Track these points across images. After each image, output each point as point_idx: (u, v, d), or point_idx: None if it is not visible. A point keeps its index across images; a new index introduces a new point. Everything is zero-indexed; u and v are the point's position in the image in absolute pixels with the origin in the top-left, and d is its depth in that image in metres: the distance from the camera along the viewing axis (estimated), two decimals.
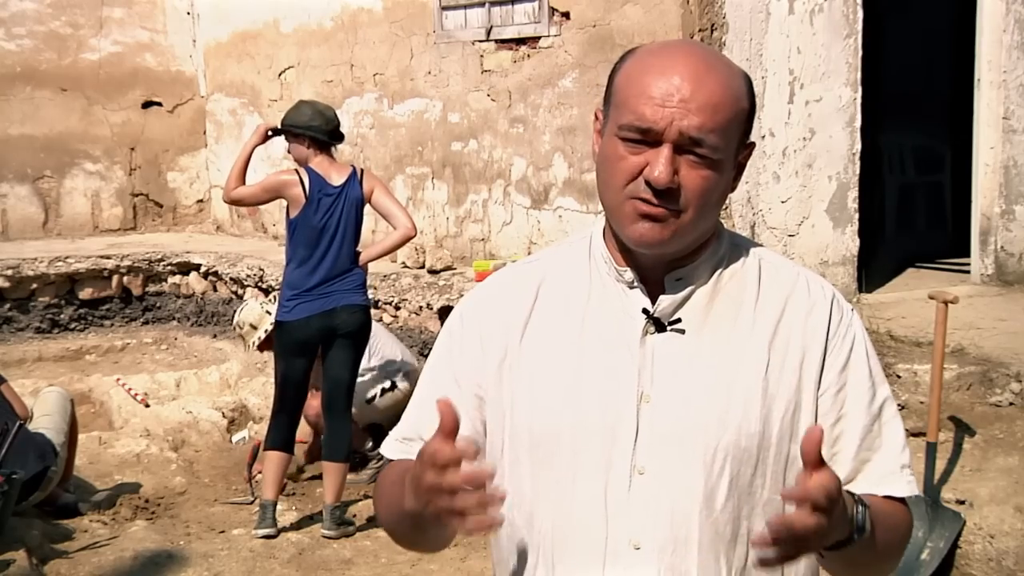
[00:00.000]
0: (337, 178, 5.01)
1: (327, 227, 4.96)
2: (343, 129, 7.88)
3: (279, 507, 5.19)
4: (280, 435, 5.04)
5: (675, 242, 1.40)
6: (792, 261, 1.58)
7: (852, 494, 1.37)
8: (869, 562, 1.44)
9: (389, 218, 5.08)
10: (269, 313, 5.49)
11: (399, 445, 1.55)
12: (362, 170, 5.16)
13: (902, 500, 1.48)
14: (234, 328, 6.03)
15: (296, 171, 5.02)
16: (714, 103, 1.36)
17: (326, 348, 5.03)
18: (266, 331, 5.50)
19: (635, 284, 1.46)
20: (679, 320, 1.45)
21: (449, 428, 1.26)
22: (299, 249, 4.99)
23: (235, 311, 6.16)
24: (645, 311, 1.45)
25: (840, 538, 1.31)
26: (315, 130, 4.99)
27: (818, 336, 1.45)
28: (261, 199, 5.31)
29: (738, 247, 1.51)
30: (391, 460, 1.56)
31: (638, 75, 1.39)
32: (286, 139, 5.14)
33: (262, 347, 5.68)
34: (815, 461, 1.24)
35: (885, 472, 1.46)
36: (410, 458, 1.47)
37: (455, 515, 1.24)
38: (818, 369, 1.45)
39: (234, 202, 5.34)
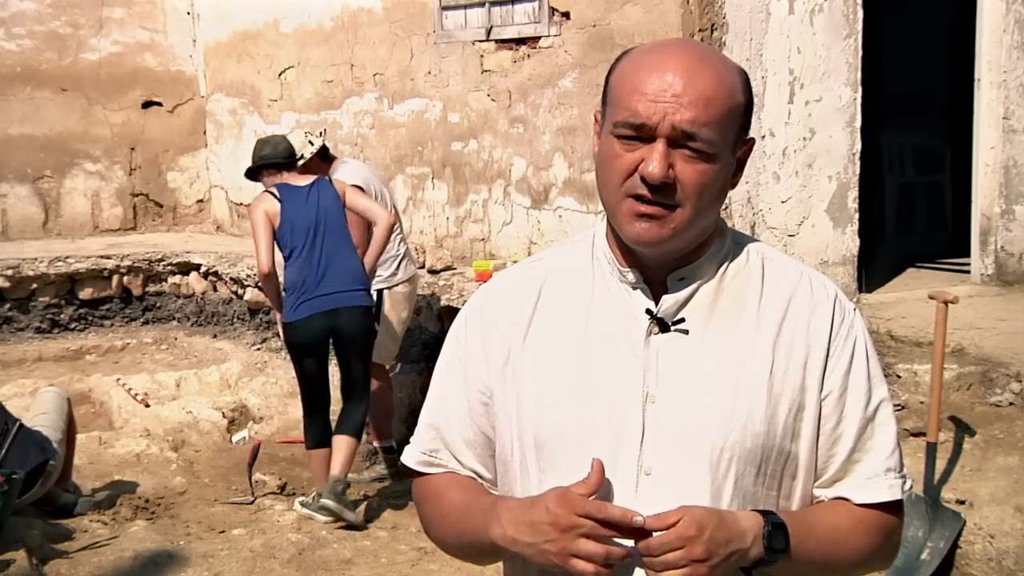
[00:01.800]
0: (303, 181, 5.21)
1: (309, 220, 5.07)
2: (343, 129, 7.91)
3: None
4: (318, 432, 5.18)
5: (674, 240, 1.40)
6: (795, 259, 1.58)
7: (765, 514, 1.39)
8: (826, 571, 1.47)
9: (367, 214, 5.22)
10: (312, 143, 5.64)
11: (427, 458, 1.57)
12: (328, 178, 5.34)
13: (888, 503, 1.48)
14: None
15: (265, 190, 5.20)
16: (707, 97, 1.36)
17: (335, 346, 5.15)
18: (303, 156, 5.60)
19: (638, 284, 1.46)
20: (683, 320, 1.45)
21: (596, 487, 1.35)
22: (291, 247, 5.09)
23: (237, 311, 6.16)
24: (649, 311, 1.45)
25: (750, 559, 1.35)
26: (267, 159, 5.23)
27: (821, 336, 1.46)
28: (271, 234, 5.16)
29: (741, 245, 1.51)
30: (421, 473, 1.59)
31: (632, 73, 1.40)
32: (258, 179, 5.35)
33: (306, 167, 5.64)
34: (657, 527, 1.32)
35: (870, 475, 1.47)
36: (439, 471, 1.55)
37: (583, 561, 1.31)
38: (821, 370, 1.45)
39: (271, 271, 5.16)
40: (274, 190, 5.15)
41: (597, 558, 1.31)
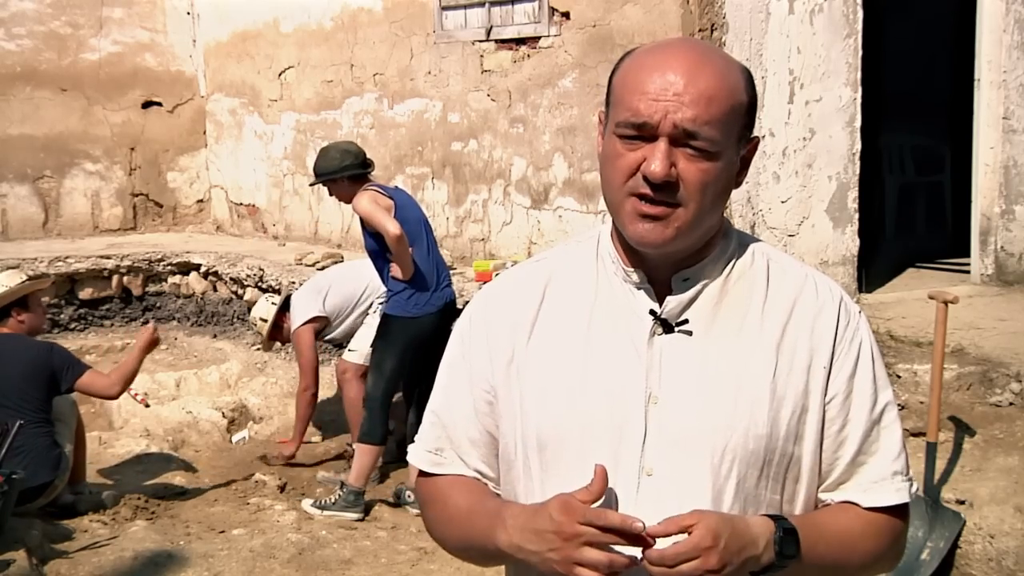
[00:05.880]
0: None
1: (418, 216, 5.31)
2: (343, 129, 7.91)
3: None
4: (384, 430, 5.30)
5: (678, 240, 1.40)
6: (800, 261, 1.57)
7: (776, 519, 1.38)
8: (834, 574, 1.46)
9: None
10: (274, 304, 6.07)
11: (432, 457, 1.57)
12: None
13: (895, 506, 1.48)
14: (252, 325, 6.49)
15: (367, 187, 5.22)
16: (708, 95, 1.35)
17: (435, 340, 5.20)
18: (273, 320, 6.07)
19: (642, 285, 1.46)
20: (686, 321, 1.44)
21: (598, 494, 1.34)
22: (413, 245, 5.17)
23: (237, 311, 6.29)
24: (652, 312, 1.45)
25: (761, 565, 1.35)
26: (350, 168, 5.25)
27: (826, 339, 1.45)
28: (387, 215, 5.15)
29: (746, 246, 1.51)
30: (426, 473, 1.58)
31: (634, 73, 1.40)
32: (324, 186, 5.38)
33: (273, 336, 6.15)
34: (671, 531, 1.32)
35: (876, 478, 1.47)
36: (444, 470, 1.55)
37: (587, 570, 1.31)
38: (825, 373, 1.45)
39: (403, 232, 5.12)
40: (378, 188, 5.27)
41: (601, 566, 1.31)
